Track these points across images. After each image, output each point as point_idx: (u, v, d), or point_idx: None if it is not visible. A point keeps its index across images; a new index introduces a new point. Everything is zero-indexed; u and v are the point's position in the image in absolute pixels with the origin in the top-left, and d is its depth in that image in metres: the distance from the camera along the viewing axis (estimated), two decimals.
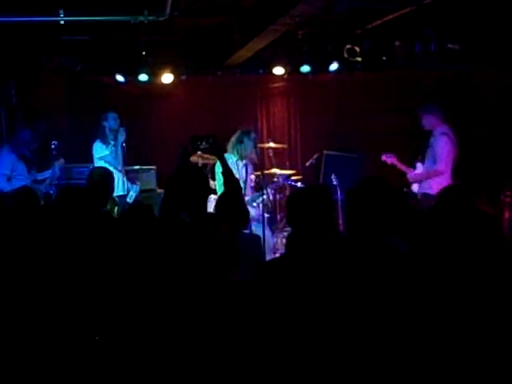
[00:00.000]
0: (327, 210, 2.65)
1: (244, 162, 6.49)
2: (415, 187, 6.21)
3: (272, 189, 7.14)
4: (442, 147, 5.86)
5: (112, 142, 6.64)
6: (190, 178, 3.87)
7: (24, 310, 2.78)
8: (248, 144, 6.39)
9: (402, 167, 6.26)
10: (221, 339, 2.66)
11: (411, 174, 6.18)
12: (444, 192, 3.83)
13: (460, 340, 2.28)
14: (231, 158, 6.31)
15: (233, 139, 6.47)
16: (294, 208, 2.70)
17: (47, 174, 6.61)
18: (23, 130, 6.73)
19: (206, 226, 3.31)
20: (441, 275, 2.39)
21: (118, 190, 6.23)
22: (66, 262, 2.99)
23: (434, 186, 5.73)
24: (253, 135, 6.46)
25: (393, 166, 6.45)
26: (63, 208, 3.35)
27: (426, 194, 5.90)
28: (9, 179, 6.31)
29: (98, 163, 6.47)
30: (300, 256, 2.57)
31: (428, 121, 6.05)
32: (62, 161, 6.72)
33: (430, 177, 5.98)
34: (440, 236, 2.53)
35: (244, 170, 6.52)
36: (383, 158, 6.47)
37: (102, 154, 6.57)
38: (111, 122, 6.65)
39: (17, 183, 6.17)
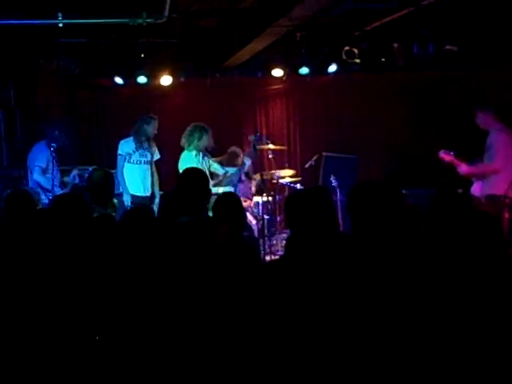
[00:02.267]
0: (326, 211, 2.65)
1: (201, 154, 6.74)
2: (476, 189, 5.89)
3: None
4: (498, 143, 5.69)
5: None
6: (191, 180, 3.89)
7: (25, 312, 2.78)
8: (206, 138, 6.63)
9: (459, 163, 5.94)
10: (222, 341, 2.66)
11: (462, 168, 5.87)
12: (443, 193, 3.82)
13: (461, 340, 2.28)
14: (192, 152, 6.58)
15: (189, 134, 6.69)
16: (292, 210, 2.70)
17: (68, 178, 6.76)
18: (51, 128, 6.79)
19: (206, 228, 3.32)
20: (442, 275, 2.40)
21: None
22: (65, 265, 2.99)
23: (500, 185, 5.58)
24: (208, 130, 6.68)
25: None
26: (59, 213, 3.34)
27: (491, 196, 5.68)
28: (44, 172, 6.52)
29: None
30: (300, 257, 2.57)
31: (483, 119, 5.89)
32: (76, 171, 6.83)
33: (485, 172, 5.78)
34: (440, 236, 2.53)
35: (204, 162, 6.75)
36: (441, 155, 6.11)
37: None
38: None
39: (50, 178, 6.49)
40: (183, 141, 6.65)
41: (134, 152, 6.69)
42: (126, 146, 6.70)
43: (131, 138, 6.71)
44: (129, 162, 6.68)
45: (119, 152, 6.71)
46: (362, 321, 2.36)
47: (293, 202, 2.75)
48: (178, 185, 3.92)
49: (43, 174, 6.51)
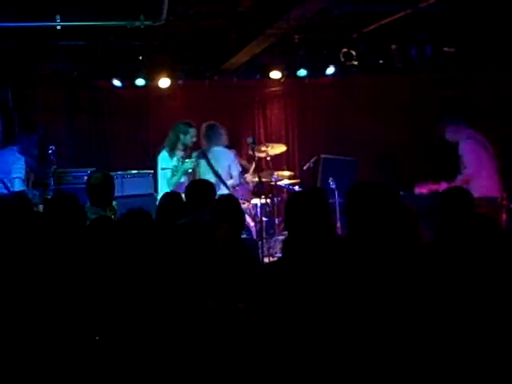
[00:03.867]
0: (323, 212, 2.66)
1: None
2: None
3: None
4: (467, 152, 5.93)
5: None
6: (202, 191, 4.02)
7: (23, 312, 2.78)
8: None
9: (437, 186, 6.08)
10: (221, 342, 2.66)
11: (442, 187, 5.96)
12: (445, 194, 3.82)
13: (460, 340, 2.28)
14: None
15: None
16: (290, 212, 2.71)
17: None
18: (23, 137, 6.66)
19: (205, 231, 3.32)
20: (441, 276, 2.40)
21: None
22: (62, 267, 2.99)
23: (475, 189, 5.60)
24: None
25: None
26: (57, 214, 3.34)
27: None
28: (23, 182, 6.16)
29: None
30: (297, 258, 2.57)
31: (456, 132, 6.09)
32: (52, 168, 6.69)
33: (464, 182, 5.88)
34: (441, 237, 2.54)
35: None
36: (417, 191, 6.23)
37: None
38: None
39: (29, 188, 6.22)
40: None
41: (180, 164, 6.40)
42: (168, 159, 6.38)
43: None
44: (175, 175, 6.35)
45: (162, 166, 6.37)
46: (359, 321, 2.36)
47: (290, 203, 2.76)
48: (186, 194, 4.08)
49: (23, 184, 6.13)
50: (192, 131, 6.44)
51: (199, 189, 4.21)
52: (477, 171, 5.90)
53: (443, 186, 6.00)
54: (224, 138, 6.72)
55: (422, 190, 6.20)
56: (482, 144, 6.00)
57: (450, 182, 6.04)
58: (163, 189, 6.30)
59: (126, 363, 2.65)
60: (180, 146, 6.43)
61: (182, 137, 6.41)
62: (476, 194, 5.75)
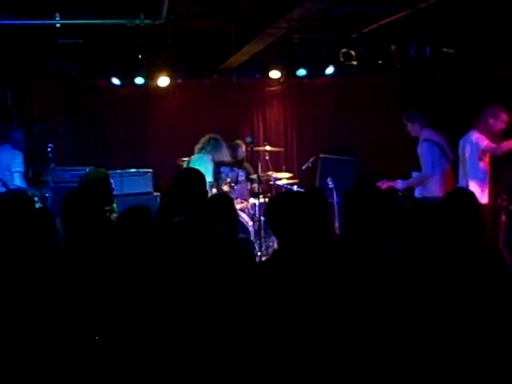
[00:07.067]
0: (321, 212, 2.66)
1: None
2: (416, 192, 6.32)
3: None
4: (424, 153, 6.10)
5: None
6: (188, 180, 3.89)
7: (22, 314, 2.78)
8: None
9: (394, 182, 6.34)
10: (218, 339, 2.67)
11: (399, 185, 6.28)
12: (449, 195, 3.82)
13: (456, 341, 2.29)
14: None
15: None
16: (280, 213, 2.70)
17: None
18: (15, 130, 6.65)
19: (200, 228, 3.32)
20: (432, 277, 2.41)
21: None
22: (64, 265, 3.00)
23: (431, 188, 5.97)
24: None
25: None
26: (65, 212, 3.35)
27: (424, 197, 6.06)
28: (23, 177, 6.23)
29: None
30: (294, 258, 2.58)
31: (412, 128, 6.27)
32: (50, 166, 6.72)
33: (420, 182, 6.16)
34: (427, 238, 2.55)
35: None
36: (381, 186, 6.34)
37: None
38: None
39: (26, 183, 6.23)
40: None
41: None
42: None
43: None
44: None
45: None
46: (353, 321, 2.37)
47: (289, 203, 2.75)
48: (172, 185, 3.91)
49: (23, 178, 6.20)
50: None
51: (189, 180, 3.51)
52: (431, 173, 6.06)
53: (400, 184, 6.27)
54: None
55: (382, 185, 6.32)
56: (440, 146, 6.11)
57: (406, 180, 6.25)
58: None
59: (123, 361, 2.65)
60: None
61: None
62: (428, 195, 5.99)
